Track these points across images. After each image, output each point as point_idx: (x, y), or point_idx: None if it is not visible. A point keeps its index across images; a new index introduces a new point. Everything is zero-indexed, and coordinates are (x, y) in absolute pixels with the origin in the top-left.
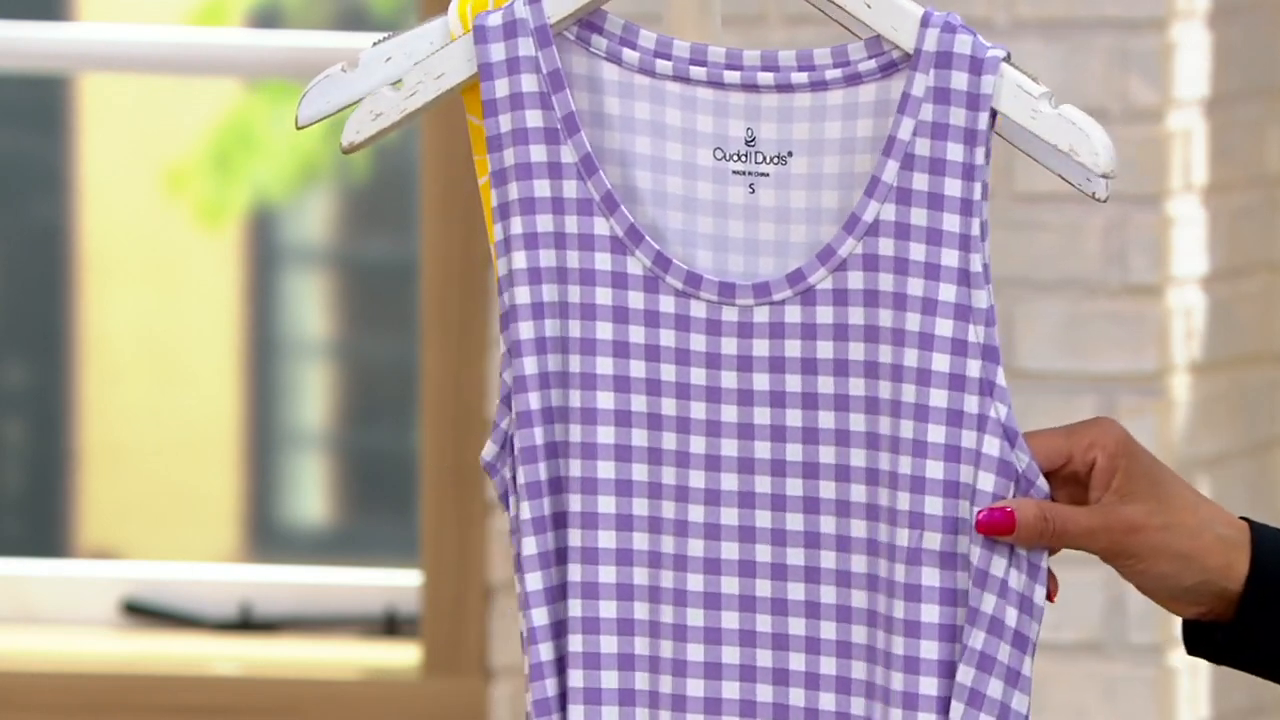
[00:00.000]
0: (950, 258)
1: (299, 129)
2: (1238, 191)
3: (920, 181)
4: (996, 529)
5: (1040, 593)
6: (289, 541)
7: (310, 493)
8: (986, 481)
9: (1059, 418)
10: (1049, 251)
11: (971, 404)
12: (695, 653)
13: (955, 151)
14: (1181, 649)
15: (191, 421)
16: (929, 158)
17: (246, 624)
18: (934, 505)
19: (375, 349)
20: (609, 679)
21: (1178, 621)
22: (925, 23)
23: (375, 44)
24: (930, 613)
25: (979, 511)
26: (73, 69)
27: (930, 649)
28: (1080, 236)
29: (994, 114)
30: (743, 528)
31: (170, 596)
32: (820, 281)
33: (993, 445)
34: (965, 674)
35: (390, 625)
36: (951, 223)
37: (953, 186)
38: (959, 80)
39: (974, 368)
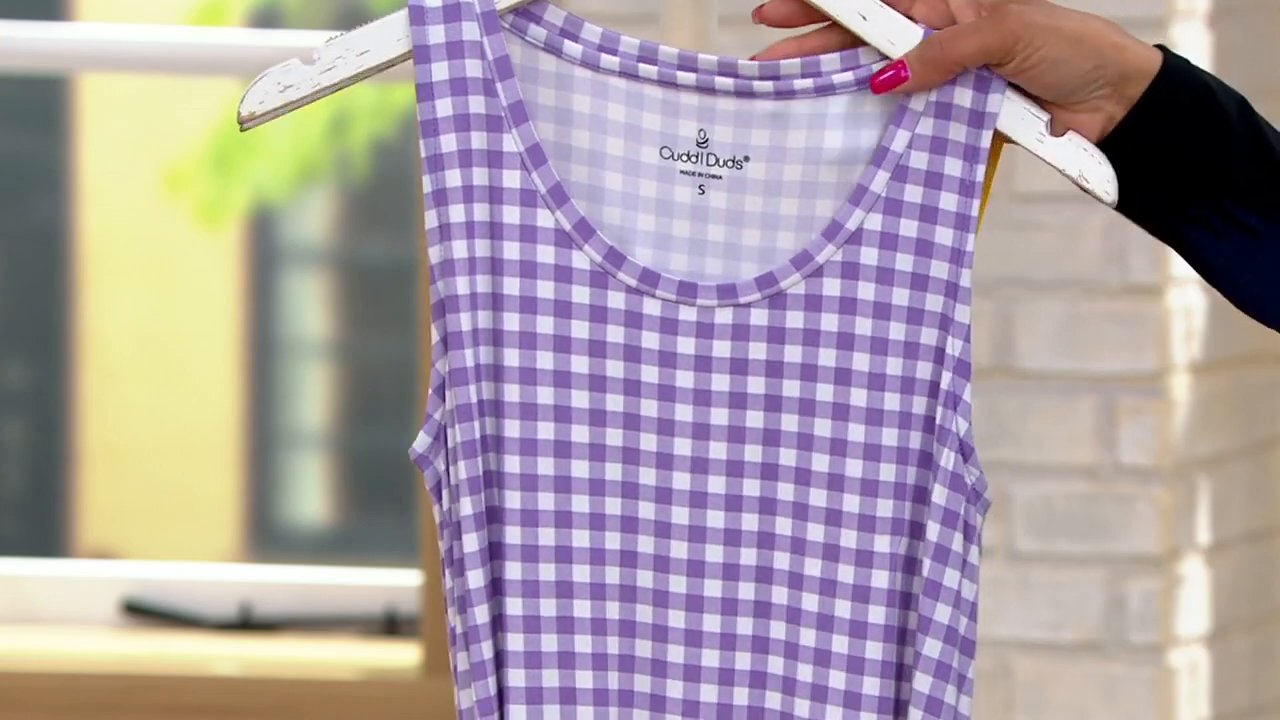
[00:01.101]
0: (940, 270)
1: (242, 128)
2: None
3: (913, 194)
4: (892, 82)
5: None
6: (289, 541)
7: (310, 493)
8: (940, 494)
9: (1058, 418)
10: (1048, 251)
11: (943, 416)
12: (643, 649)
13: (954, 166)
14: (1182, 649)
15: (191, 421)
16: (925, 170)
17: (246, 624)
18: (893, 509)
19: (375, 349)
20: (550, 678)
21: (1178, 622)
22: None
23: (329, 40)
24: (877, 614)
25: (872, 79)
26: (73, 69)
27: (875, 649)
28: (1080, 236)
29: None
30: (693, 527)
31: (170, 596)
32: (792, 286)
33: (949, 459)
34: (923, 681)
35: (390, 625)
36: (944, 236)
37: (948, 200)
38: (963, 97)
39: (947, 380)
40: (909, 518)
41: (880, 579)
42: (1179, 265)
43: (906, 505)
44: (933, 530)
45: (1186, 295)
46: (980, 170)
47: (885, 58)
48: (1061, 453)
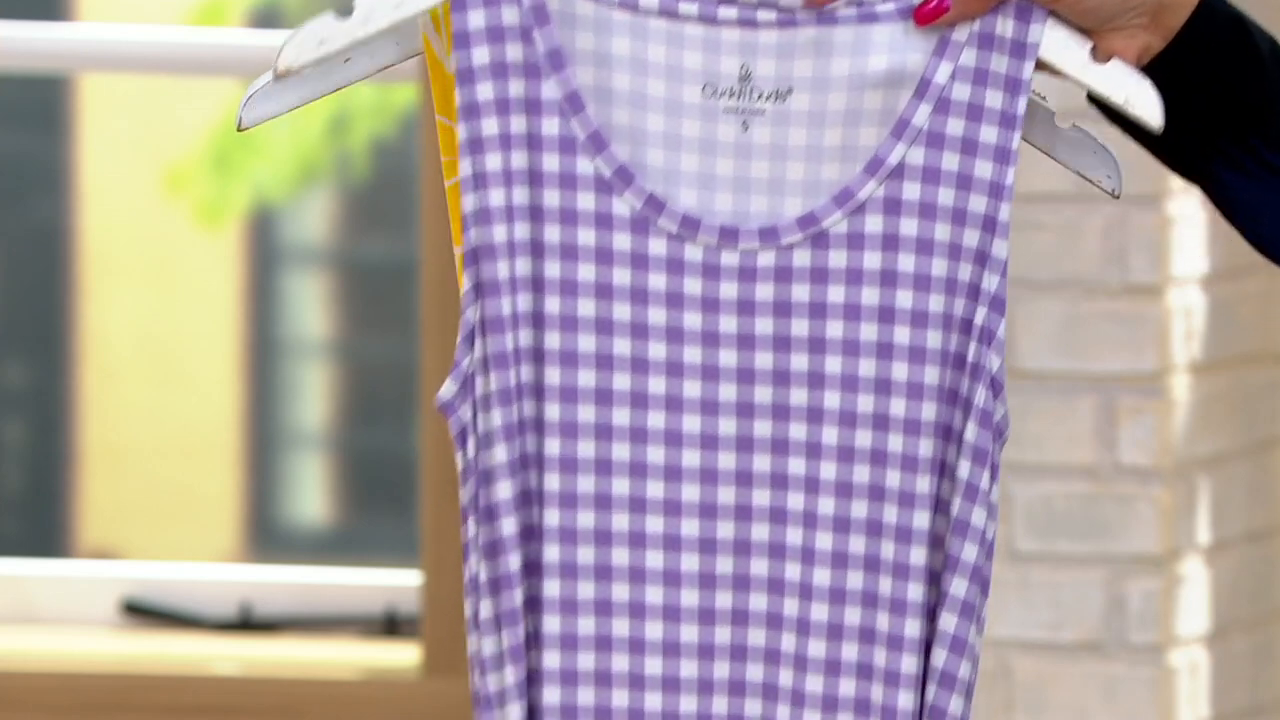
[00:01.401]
0: (978, 204)
1: (240, 131)
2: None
3: (955, 127)
4: (935, 13)
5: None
6: (289, 541)
7: (310, 493)
8: (971, 432)
9: (1058, 418)
10: (1048, 251)
11: (974, 351)
12: (689, 598)
13: (995, 98)
14: (1182, 649)
15: (191, 421)
16: (967, 103)
17: (246, 624)
18: (934, 449)
19: (375, 349)
20: (585, 624)
21: (1178, 622)
22: None
23: None
24: (919, 555)
25: (915, 11)
26: (73, 69)
27: (917, 591)
28: (1079, 236)
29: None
30: (739, 472)
31: (170, 596)
32: (834, 225)
33: (982, 396)
34: (949, 621)
35: (390, 625)
36: (984, 169)
37: (989, 133)
38: (1005, 27)
39: (982, 315)
40: (945, 458)
41: (922, 520)
42: (1179, 265)
43: (944, 445)
44: (964, 468)
45: (1186, 295)
46: (1022, 102)
47: None
48: (1061, 453)
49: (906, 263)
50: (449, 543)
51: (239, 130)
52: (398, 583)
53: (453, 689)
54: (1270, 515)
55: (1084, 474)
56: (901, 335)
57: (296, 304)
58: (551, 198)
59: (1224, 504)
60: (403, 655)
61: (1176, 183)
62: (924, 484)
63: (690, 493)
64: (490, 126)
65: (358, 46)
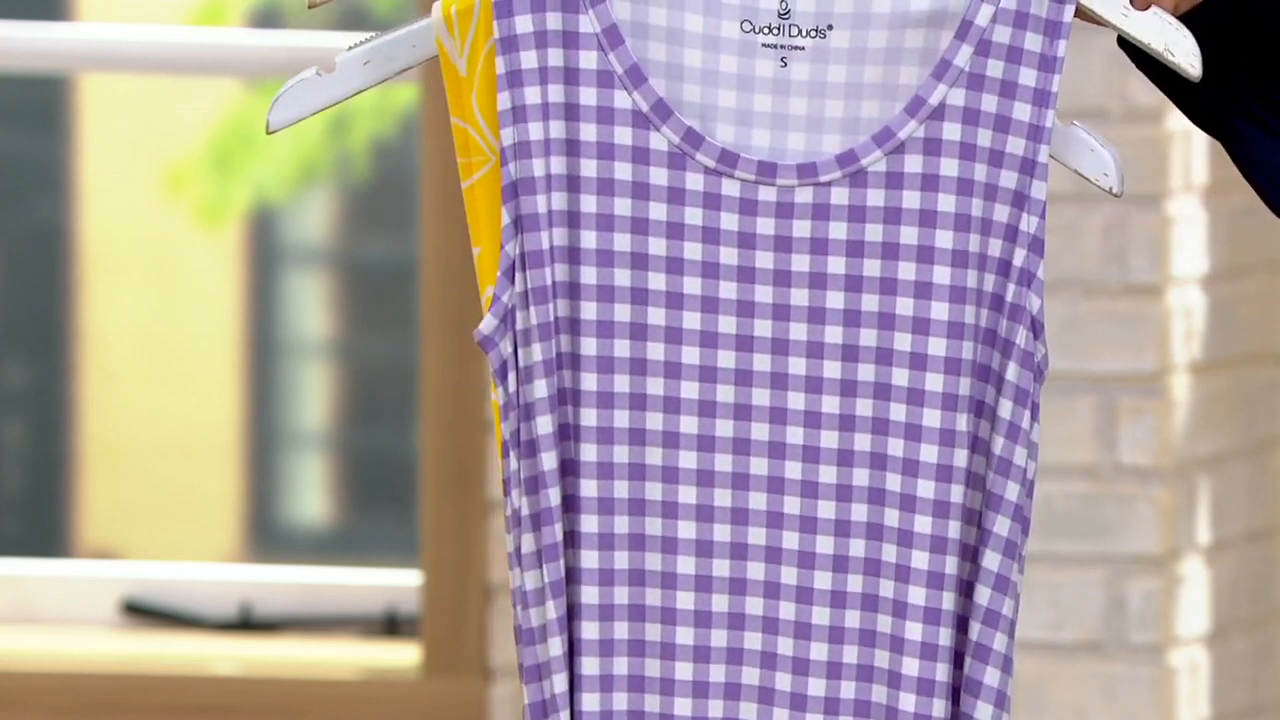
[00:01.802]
0: (1016, 146)
1: (269, 134)
2: (1237, 191)
3: (995, 68)
4: None
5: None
6: (289, 541)
7: (310, 493)
8: (1013, 372)
9: (1058, 418)
10: (1048, 251)
11: (1012, 292)
12: (721, 533)
13: (1034, 41)
14: (1182, 649)
15: (191, 421)
16: (1007, 45)
17: (246, 624)
18: (972, 388)
19: (375, 349)
20: (620, 559)
21: (1178, 622)
22: None
23: (351, 47)
24: (957, 493)
25: None
26: (73, 69)
27: (955, 529)
28: (1079, 236)
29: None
30: (774, 409)
31: (170, 596)
32: (873, 164)
33: (1023, 336)
34: (992, 560)
35: (390, 625)
36: (1022, 111)
37: (1028, 76)
38: None
39: (1020, 257)
40: (983, 398)
41: (960, 458)
42: (1179, 265)
43: (982, 385)
44: (1005, 408)
45: (1186, 295)
46: (1062, 45)
47: None
48: (1061, 453)
49: (946, 203)
50: (449, 543)
51: (268, 133)
52: (398, 583)
53: (453, 689)
54: (1270, 515)
55: (1084, 474)
56: (940, 275)
57: (296, 304)
58: (588, 131)
59: (1224, 504)
60: (403, 655)
61: (1177, 182)
62: (962, 422)
63: (724, 428)
64: (529, 60)
65: (376, 51)
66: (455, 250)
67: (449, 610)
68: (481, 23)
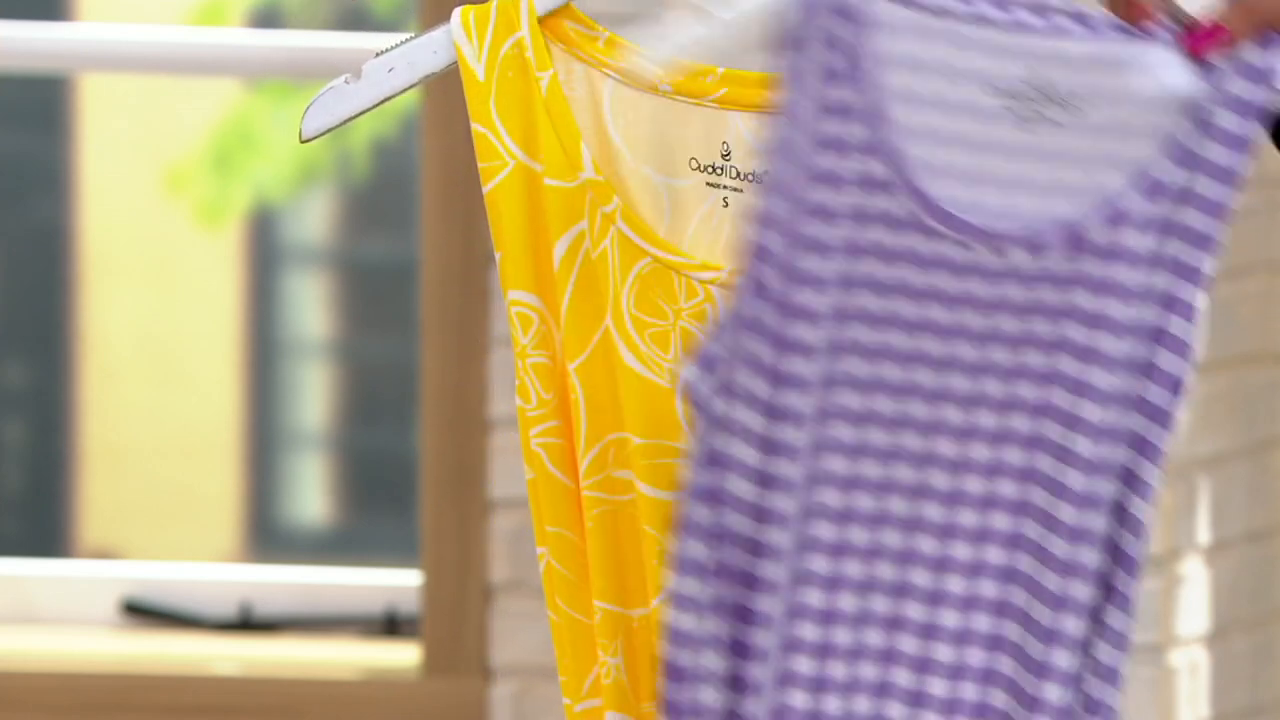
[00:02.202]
0: (1219, 231)
1: (303, 143)
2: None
3: (1217, 154)
4: (1212, 41)
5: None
6: (289, 541)
7: (310, 493)
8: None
9: None
10: None
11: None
12: (893, 540)
13: (1247, 129)
14: (1182, 649)
15: (191, 421)
16: (1229, 131)
17: (246, 624)
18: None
19: (375, 349)
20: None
21: (1178, 622)
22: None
23: (378, 54)
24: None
25: (1189, 36)
26: (73, 69)
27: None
28: None
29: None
30: (957, 461)
31: (170, 596)
32: (1096, 234)
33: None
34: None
35: (390, 625)
36: (1229, 198)
37: (1241, 163)
38: (1254, 56)
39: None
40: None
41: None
42: None
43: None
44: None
45: None
46: (1262, 134)
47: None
48: None
49: (1161, 282)
50: (449, 543)
51: (302, 142)
52: (398, 583)
53: (452, 689)
54: (1270, 515)
55: None
56: (1136, 349)
57: (296, 304)
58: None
59: (1224, 504)
60: (403, 655)
61: None
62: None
63: (904, 473)
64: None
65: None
66: (455, 250)
67: (449, 610)
68: (498, 27)
